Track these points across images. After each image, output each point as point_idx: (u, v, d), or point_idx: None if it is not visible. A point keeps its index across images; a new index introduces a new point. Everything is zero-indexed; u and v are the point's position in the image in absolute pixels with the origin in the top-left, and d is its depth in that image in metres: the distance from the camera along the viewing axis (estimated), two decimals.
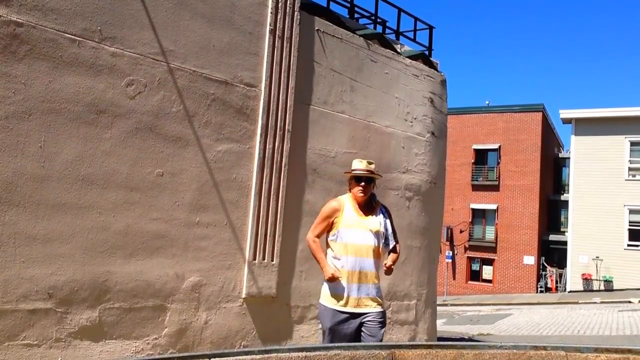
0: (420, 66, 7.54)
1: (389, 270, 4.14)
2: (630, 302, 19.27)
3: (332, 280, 3.99)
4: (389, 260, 4.15)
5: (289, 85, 5.69)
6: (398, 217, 7.07)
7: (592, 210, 26.39)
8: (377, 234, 4.06)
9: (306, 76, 5.94)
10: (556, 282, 29.11)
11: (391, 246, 4.21)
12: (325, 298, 4.09)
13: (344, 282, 4.00)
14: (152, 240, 4.62)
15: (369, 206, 4.15)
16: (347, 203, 4.14)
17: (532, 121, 30.16)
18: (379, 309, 4.07)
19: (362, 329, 4.02)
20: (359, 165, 4.19)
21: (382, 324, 4.07)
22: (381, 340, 3.99)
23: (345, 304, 4.00)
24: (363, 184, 4.09)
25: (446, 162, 8.32)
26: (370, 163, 4.21)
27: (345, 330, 4.00)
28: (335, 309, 4.02)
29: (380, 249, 4.14)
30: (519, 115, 30.40)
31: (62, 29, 4.08)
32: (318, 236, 4.18)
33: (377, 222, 4.08)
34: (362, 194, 4.09)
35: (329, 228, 4.14)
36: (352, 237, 4.02)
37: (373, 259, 4.04)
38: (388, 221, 4.19)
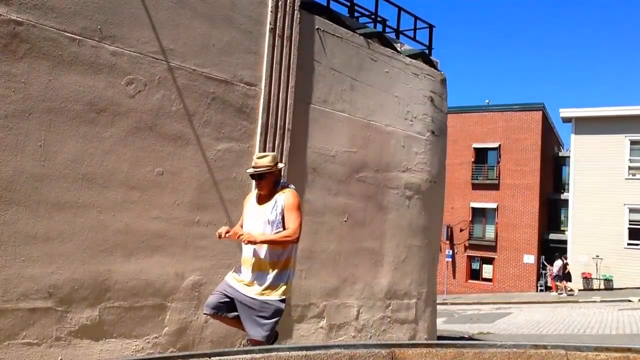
0: (420, 65, 7.53)
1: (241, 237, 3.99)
2: (630, 300, 19.27)
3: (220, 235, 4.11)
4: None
5: (289, 84, 5.69)
6: (398, 216, 7.07)
7: (592, 209, 26.38)
8: (267, 222, 4.10)
9: (306, 75, 5.94)
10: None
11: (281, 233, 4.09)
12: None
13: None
14: (152, 239, 4.62)
15: (270, 195, 4.19)
16: (253, 195, 4.35)
17: (532, 120, 30.10)
18: (255, 296, 3.99)
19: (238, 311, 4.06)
20: (252, 162, 4.29)
21: (255, 312, 3.96)
22: (266, 336, 3.93)
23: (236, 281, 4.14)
24: (255, 181, 4.23)
25: (446, 161, 8.32)
26: (260, 157, 4.20)
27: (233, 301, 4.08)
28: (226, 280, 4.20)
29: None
30: (519, 114, 30.34)
31: (62, 27, 4.07)
32: (242, 225, 4.32)
33: (268, 210, 4.12)
34: (257, 190, 4.24)
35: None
36: (245, 225, 4.23)
37: (257, 247, 4.07)
38: (280, 208, 4.10)
